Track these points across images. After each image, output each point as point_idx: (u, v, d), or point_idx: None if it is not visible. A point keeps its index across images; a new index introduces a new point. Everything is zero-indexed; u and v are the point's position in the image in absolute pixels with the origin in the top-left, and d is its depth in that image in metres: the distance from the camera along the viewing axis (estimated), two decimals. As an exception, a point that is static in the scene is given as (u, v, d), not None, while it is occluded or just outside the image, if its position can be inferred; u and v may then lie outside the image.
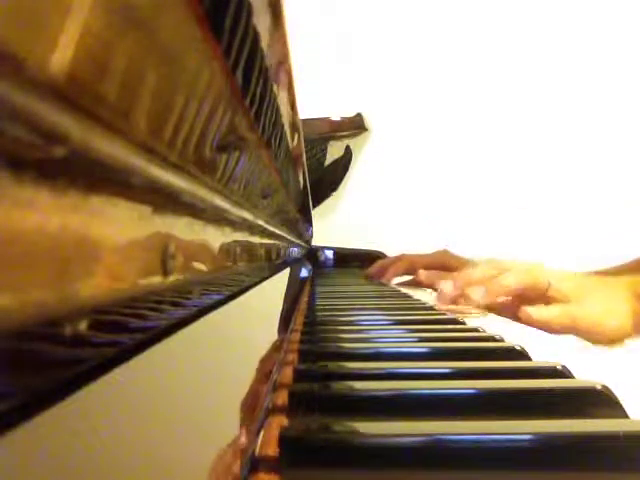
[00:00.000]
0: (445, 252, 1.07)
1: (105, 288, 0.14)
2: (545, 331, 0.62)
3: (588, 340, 0.68)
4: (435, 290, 0.91)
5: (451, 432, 0.22)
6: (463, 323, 0.51)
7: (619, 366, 0.45)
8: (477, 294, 0.69)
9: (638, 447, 0.21)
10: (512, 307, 0.71)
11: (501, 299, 0.71)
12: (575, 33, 1.73)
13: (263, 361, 0.31)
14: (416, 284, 1.01)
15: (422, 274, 1.01)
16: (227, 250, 0.31)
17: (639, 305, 0.70)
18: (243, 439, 0.20)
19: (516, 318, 0.67)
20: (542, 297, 0.70)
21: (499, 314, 0.67)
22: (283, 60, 0.33)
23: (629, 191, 1.68)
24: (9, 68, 0.08)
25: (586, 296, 0.70)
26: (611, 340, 0.69)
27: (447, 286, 0.73)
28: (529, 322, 0.66)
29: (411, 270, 1.09)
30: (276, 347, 0.36)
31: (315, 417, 0.26)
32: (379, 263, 1.20)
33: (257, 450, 0.21)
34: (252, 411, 0.24)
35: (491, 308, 0.70)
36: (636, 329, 0.70)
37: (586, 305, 0.69)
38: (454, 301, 0.72)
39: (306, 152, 0.71)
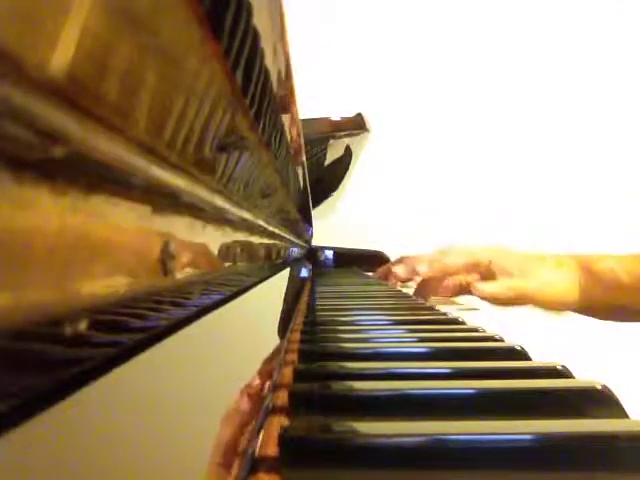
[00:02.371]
0: (444, 250, 1.09)
1: (105, 288, 0.14)
2: (495, 304, 0.75)
3: (537, 307, 0.76)
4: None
5: (451, 432, 0.22)
6: (463, 323, 0.51)
7: (619, 366, 0.45)
8: (422, 269, 0.81)
9: (638, 447, 0.21)
10: (465, 286, 0.81)
11: (443, 276, 0.81)
12: (576, 29, 1.73)
13: (263, 361, 0.31)
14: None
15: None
16: (227, 250, 0.31)
17: (586, 276, 0.77)
18: (243, 439, 0.20)
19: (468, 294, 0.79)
20: (487, 274, 0.79)
21: (452, 294, 0.79)
22: (283, 60, 0.33)
23: (629, 183, 1.68)
24: (9, 68, 0.08)
25: (530, 269, 0.78)
26: (557, 306, 0.77)
27: (399, 268, 0.86)
28: (480, 295, 0.76)
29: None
30: (276, 347, 0.36)
31: (315, 417, 0.26)
32: (384, 267, 1.22)
33: (257, 450, 0.21)
34: (251, 411, 0.24)
35: (448, 290, 0.81)
36: (583, 299, 0.77)
37: (530, 277, 0.77)
38: (406, 280, 0.85)
39: (306, 152, 0.71)
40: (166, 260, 0.18)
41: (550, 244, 1.63)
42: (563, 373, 0.31)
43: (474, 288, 0.77)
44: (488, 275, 0.79)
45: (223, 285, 0.32)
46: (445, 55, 1.76)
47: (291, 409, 0.26)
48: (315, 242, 1.55)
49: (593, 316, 0.82)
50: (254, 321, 0.40)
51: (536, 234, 1.71)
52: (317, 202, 1.60)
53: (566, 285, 0.76)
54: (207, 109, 0.21)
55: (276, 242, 0.64)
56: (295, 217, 0.85)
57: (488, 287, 0.77)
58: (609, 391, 0.26)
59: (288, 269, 0.78)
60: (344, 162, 1.67)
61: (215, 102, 0.22)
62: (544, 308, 0.77)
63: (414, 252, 1.15)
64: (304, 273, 1.14)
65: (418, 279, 0.86)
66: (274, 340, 0.39)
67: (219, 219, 0.29)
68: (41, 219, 0.10)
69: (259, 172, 0.39)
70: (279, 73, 0.32)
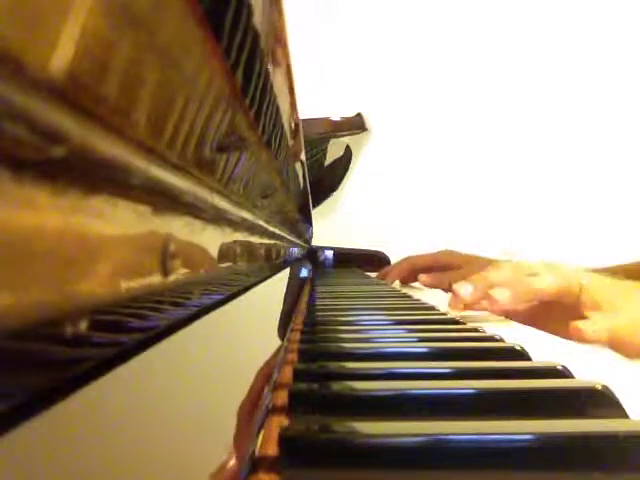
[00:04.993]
0: (448, 251, 1.07)
1: (105, 288, 0.14)
2: (583, 343, 0.57)
3: (622, 353, 0.58)
4: (446, 290, 0.87)
5: (451, 432, 0.22)
6: (463, 323, 0.51)
7: (619, 366, 0.44)
8: (502, 296, 0.62)
9: (638, 447, 0.21)
10: (536, 315, 0.65)
11: (528, 304, 0.64)
12: (576, 29, 1.73)
13: (263, 361, 0.31)
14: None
15: (422, 278, 1.01)
16: (227, 250, 0.31)
17: None
18: (243, 439, 0.20)
19: (542, 328, 0.58)
20: (574, 304, 0.63)
21: (521, 321, 0.61)
22: (283, 60, 0.33)
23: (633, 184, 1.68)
24: (9, 68, 0.08)
25: (620, 303, 0.63)
26: None
27: (464, 289, 0.65)
28: (579, 338, 0.59)
29: (413, 271, 1.09)
30: (276, 347, 0.36)
31: (315, 417, 0.26)
32: (386, 268, 1.22)
33: (257, 450, 0.21)
34: (251, 411, 0.24)
35: (512, 314, 0.64)
36: None
37: (622, 314, 0.62)
38: (471, 304, 0.65)
39: (306, 152, 0.71)
40: (166, 260, 0.18)
41: (550, 244, 1.63)
42: (563, 373, 0.31)
43: (573, 328, 0.60)
44: (570, 304, 0.63)
45: (223, 285, 0.32)
46: (445, 55, 1.76)
47: (291, 409, 0.26)
48: (315, 242, 1.55)
49: None
50: (254, 321, 0.40)
51: (537, 234, 1.71)
52: (317, 202, 1.60)
53: None
54: (207, 109, 0.21)
55: (276, 242, 0.64)
56: (295, 217, 0.85)
57: (589, 328, 0.60)
58: (609, 391, 0.26)
59: (288, 269, 0.78)
60: (344, 162, 1.67)
61: (215, 102, 0.22)
62: (623, 351, 0.57)
63: (417, 254, 1.15)
64: (304, 273, 1.14)
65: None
66: (274, 340, 0.39)
67: (219, 219, 0.29)
68: (41, 219, 0.10)
69: (259, 172, 0.39)
70: (279, 73, 0.32)
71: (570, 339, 0.56)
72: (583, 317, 0.62)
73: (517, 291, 0.62)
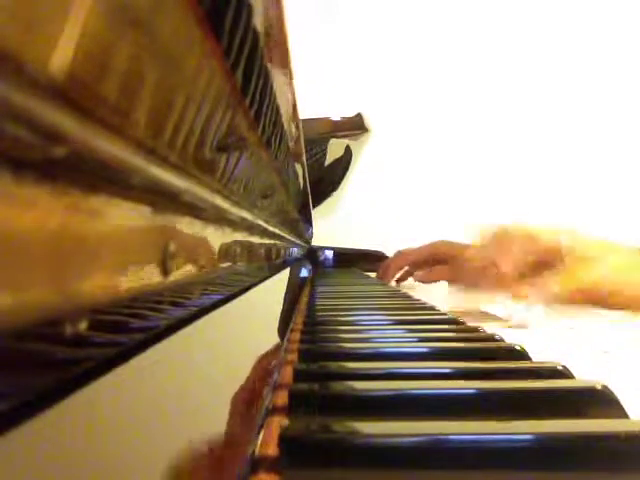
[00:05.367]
0: (441, 242, 1.05)
1: (105, 288, 0.14)
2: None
3: (606, 305, 0.64)
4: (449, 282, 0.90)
5: (451, 432, 0.22)
6: (463, 323, 0.51)
7: (619, 366, 0.44)
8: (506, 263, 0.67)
9: (638, 447, 0.21)
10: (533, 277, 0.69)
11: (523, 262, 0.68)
12: (576, 29, 1.73)
13: (263, 361, 0.31)
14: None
15: (418, 276, 1.00)
16: (227, 250, 0.31)
17: None
18: (243, 439, 0.20)
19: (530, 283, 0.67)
20: (558, 260, 0.68)
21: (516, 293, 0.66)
22: (283, 60, 0.33)
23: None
24: (9, 68, 0.08)
25: (600, 257, 0.67)
26: (629, 303, 0.65)
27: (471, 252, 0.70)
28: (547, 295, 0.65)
29: (411, 266, 1.09)
30: (276, 347, 0.36)
31: (315, 417, 0.26)
32: (381, 267, 1.20)
33: (257, 450, 0.21)
34: (251, 411, 0.24)
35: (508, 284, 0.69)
36: None
37: (603, 266, 0.66)
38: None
39: (306, 152, 0.71)
40: (166, 260, 0.18)
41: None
42: (563, 373, 0.31)
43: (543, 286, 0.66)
44: (554, 261, 0.68)
45: (223, 285, 0.32)
46: (445, 55, 1.76)
47: (291, 409, 0.26)
48: (315, 242, 1.56)
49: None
50: (254, 321, 0.40)
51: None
52: (317, 202, 1.60)
53: None
54: (207, 109, 0.21)
55: (276, 242, 0.64)
56: (295, 217, 0.85)
57: (557, 286, 0.66)
58: (609, 391, 0.26)
59: (288, 269, 0.78)
60: (344, 162, 1.67)
61: (215, 102, 0.22)
62: (619, 305, 0.63)
63: (410, 247, 1.14)
64: (304, 273, 1.14)
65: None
66: (274, 340, 0.39)
67: (219, 219, 0.29)
68: (41, 219, 0.10)
69: (259, 172, 0.39)
70: (279, 73, 0.32)
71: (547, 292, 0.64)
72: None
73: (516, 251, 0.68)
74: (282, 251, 0.72)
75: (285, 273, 0.72)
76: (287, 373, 0.32)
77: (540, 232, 0.72)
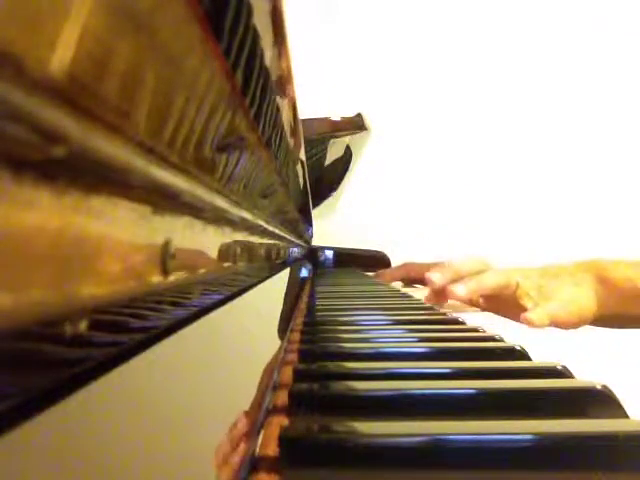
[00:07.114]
0: (410, 264, 1.09)
1: (105, 288, 0.14)
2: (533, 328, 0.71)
3: (563, 328, 0.74)
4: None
5: (451, 432, 0.22)
6: (463, 323, 0.51)
7: (619, 366, 0.44)
8: (459, 290, 0.74)
9: (638, 447, 0.21)
10: (490, 304, 0.79)
11: (478, 295, 0.77)
12: (576, 29, 1.73)
13: (263, 361, 0.31)
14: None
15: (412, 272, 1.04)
16: (227, 250, 0.31)
17: (602, 288, 0.75)
18: (243, 439, 0.20)
19: (497, 314, 0.77)
20: (512, 296, 0.77)
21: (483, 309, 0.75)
22: (283, 60, 0.33)
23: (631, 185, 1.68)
24: (9, 68, 0.08)
25: (550, 291, 0.76)
26: (577, 323, 0.75)
27: (436, 276, 0.78)
28: (529, 325, 0.72)
29: (407, 280, 1.11)
30: (276, 347, 0.36)
31: (315, 417, 0.26)
32: (382, 271, 1.22)
33: (257, 450, 0.21)
34: (252, 411, 0.24)
35: (474, 304, 0.78)
36: (599, 312, 0.75)
37: (552, 299, 0.75)
38: (439, 292, 0.77)
39: (306, 152, 0.71)
40: (166, 260, 0.18)
41: (551, 247, 1.63)
42: (563, 373, 0.31)
43: (523, 318, 0.73)
44: (509, 297, 0.77)
45: (223, 285, 0.32)
46: (445, 55, 1.76)
47: (291, 409, 0.26)
48: (315, 242, 1.55)
49: (604, 326, 0.80)
50: (254, 321, 0.40)
51: (537, 234, 1.70)
52: (317, 202, 1.60)
53: (585, 302, 0.75)
54: (207, 109, 0.21)
55: (276, 242, 0.64)
56: (295, 217, 0.85)
57: (534, 316, 0.73)
58: (609, 391, 0.26)
59: (288, 269, 0.78)
60: (344, 162, 1.67)
61: (215, 102, 0.22)
62: (563, 327, 0.74)
63: (418, 252, 1.15)
64: (304, 273, 1.14)
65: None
66: (274, 340, 0.39)
67: (219, 219, 0.29)
68: (41, 219, 0.10)
69: (259, 172, 0.39)
70: (279, 73, 0.32)
71: (522, 324, 0.72)
72: (523, 306, 0.76)
73: (469, 286, 0.75)
74: (282, 251, 0.72)
75: (285, 273, 0.72)
76: (287, 373, 0.32)
77: (506, 270, 0.79)
